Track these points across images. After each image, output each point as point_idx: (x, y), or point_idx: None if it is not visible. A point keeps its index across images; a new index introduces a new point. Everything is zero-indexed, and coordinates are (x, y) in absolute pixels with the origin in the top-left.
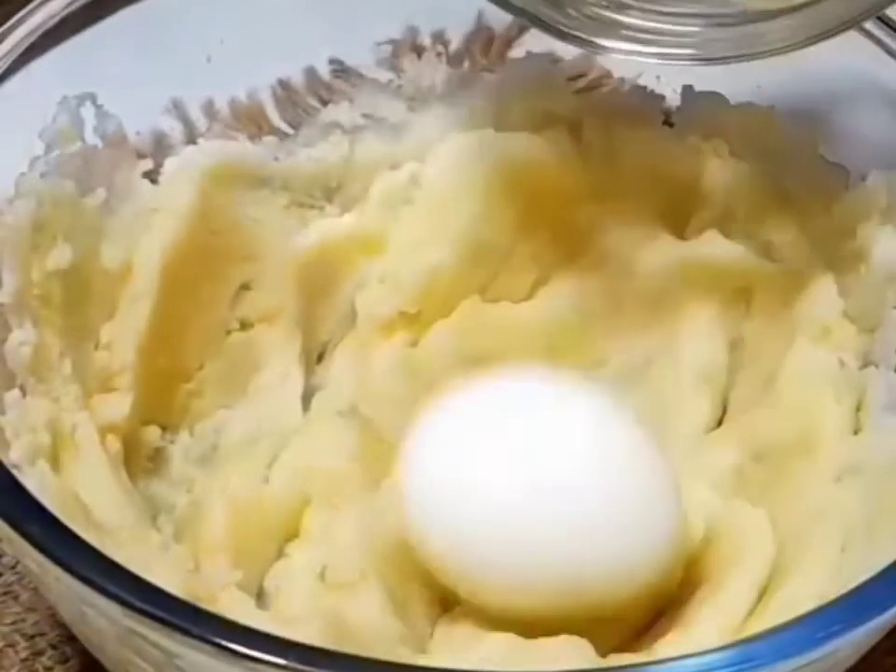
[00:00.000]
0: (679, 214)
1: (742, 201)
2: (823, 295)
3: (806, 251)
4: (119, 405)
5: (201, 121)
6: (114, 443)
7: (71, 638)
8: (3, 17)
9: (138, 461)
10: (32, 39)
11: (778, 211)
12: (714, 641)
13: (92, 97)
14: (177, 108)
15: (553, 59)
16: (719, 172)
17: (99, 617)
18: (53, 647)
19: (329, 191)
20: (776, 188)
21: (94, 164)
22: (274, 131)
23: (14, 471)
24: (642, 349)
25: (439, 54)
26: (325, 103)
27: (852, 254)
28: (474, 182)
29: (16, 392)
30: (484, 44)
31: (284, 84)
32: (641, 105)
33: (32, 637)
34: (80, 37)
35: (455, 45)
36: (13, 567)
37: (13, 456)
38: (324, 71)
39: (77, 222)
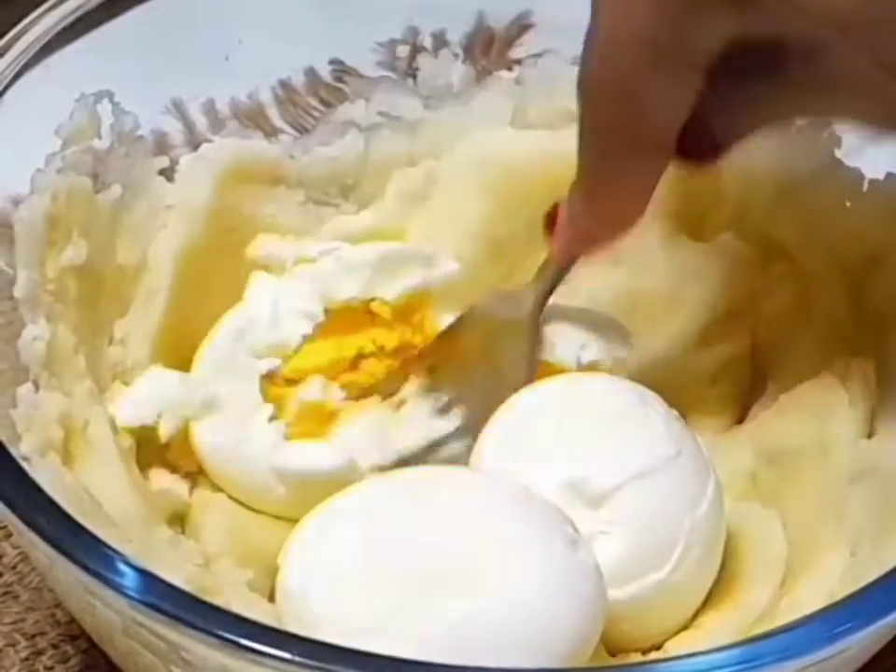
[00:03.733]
0: (694, 215)
1: (757, 202)
2: (837, 298)
3: (821, 254)
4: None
5: (201, 122)
6: (126, 438)
7: (72, 638)
8: (4, 16)
9: (150, 456)
10: (46, 39)
11: (793, 213)
12: (725, 642)
13: (110, 94)
14: (177, 109)
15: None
16: (734, 173)
17: (106, 609)
18: (54, 646)
19: (345, 188)
20: (791, 189)
21: (110, 161)
22: (275, 131)
23: (24, 464)
24: (658, 348)
25: (455, 54)
26: (325, 103)
27: (866, 257)
28: (491, 179)
29: (29, 386)
30: (485, 44)
31: (284, 84)
32: None
33: (32, 636)
34: (94, 36)
35: (455, 45)
36: (14, 567)
37: (24, 449)
38: (324, 71)
39: (92, 218)
